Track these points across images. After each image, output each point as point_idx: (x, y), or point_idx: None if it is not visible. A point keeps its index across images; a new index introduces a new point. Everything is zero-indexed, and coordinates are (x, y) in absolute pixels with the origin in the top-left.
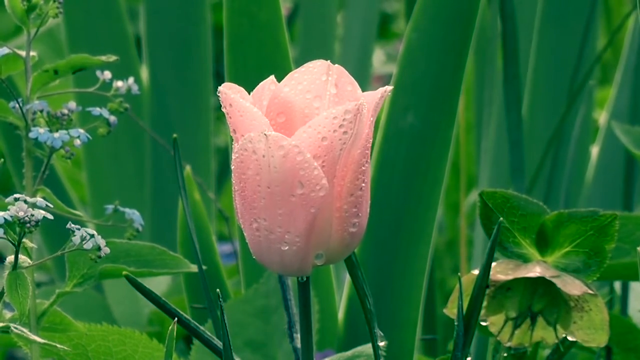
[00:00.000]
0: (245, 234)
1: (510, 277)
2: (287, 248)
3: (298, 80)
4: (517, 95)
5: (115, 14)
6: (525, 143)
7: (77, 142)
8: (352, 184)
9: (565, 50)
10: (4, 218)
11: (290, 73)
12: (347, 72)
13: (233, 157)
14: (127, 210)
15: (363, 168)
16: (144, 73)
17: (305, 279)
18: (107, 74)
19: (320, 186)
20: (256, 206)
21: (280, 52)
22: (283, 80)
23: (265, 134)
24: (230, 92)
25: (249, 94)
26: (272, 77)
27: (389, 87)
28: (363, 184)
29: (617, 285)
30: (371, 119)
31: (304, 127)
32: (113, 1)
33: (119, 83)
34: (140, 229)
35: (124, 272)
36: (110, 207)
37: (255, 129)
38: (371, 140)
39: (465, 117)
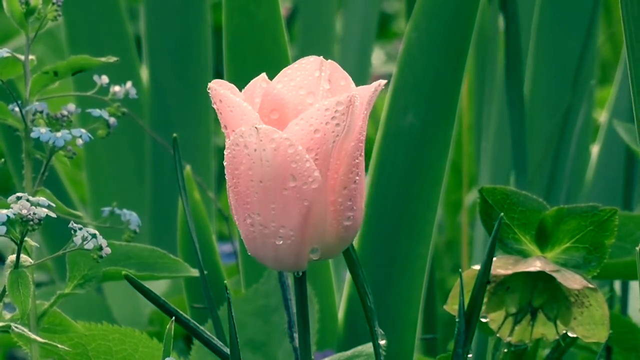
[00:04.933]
0: (240, 230)
1: (510, 272)
2: (281, 242)
3: (291, 77)
4: (520, 91)
5: (115, 14)
6: (526, 141)
7: (80, 141)
8: (346, 177)
9: (566, 49)
10: (7, 216)
11: (283, 70)
12: (340, 67)
13: (225, 153)
14: (123, 211)
15: (357, 161)
16: (144, 73)
17: (301, 274)
18: (105, 79)
19: (312, 178)
20: (250, 201)
21: (279, 51)
22: (276, 77)
23: (256, 127)
24: (220, 88)
25: None
26: (263, 75)
27: (383, 81)
28: (357, 177)
29: (617, 285)
30: (365, 112)
31: (295, 119)
32: (113, 1)
33: (116, 88)
34: (137, 230)
35: (124, 272)
36: (107, 209)
37: (246, 123)
38: (365, 134)
39: (465, 117)
